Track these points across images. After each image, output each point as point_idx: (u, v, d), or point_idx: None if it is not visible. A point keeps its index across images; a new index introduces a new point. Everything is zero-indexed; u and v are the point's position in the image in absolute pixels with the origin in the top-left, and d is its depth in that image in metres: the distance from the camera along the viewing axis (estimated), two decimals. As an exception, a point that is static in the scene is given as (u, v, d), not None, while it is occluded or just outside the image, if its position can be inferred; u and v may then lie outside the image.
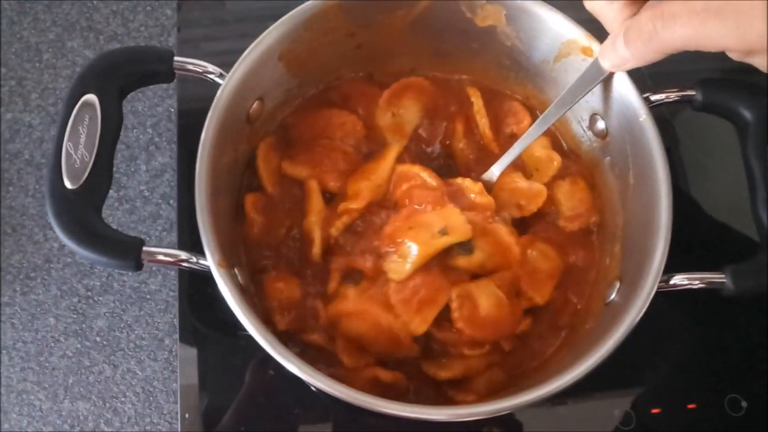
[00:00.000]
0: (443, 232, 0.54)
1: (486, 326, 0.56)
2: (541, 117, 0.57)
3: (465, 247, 0.56)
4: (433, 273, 0.55)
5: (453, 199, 0.57)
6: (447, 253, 0.55)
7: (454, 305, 0.56)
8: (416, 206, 0.56)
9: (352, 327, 0.56)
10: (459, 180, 0.59)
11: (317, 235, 0.58)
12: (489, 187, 0.60)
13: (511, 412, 0.61)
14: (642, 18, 0.45)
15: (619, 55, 0.48)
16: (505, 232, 0.57)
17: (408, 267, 0.54)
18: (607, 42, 0.51)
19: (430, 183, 0.58)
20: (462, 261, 0.56)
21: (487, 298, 0.56)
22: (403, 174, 0.59)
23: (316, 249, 0.58)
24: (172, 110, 0.77)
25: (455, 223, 0.54)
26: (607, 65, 0.52)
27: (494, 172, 0.60)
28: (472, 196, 0.58)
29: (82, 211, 0.50)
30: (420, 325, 0.54)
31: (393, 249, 0.55)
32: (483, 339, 0.57)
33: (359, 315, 0.56)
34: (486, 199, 0.58)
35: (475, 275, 0.57)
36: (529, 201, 0.60)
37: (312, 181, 0.60)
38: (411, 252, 0.54)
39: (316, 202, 0.59)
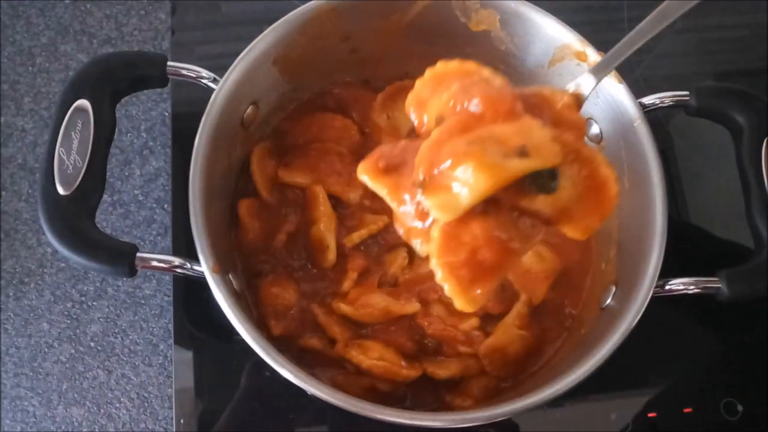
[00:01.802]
0: (521, 153, 0.36)
1: (515, 363, 0.57)
2: (658, 9, 0.44)
3: (547, 179, 0.39)
4: (500, 218, 0.39)
5: (530, 112, 0.40)
6: (518, 187, 0.38)
7: (485, 362, 0.56)
8: (474, 110, 0.39)
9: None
10: (536, 87, 0.44)
11: (332, 242, 0.58)
12: (579, 102, 0.45)
13: (507, 416, 0.61)
14: None
15: None
16: (602, 161, 0.41)
17: (465, 199, 0.36)
18: None
19: (495, 82, 0.42)
20: (541, 202, 0.39)
21: (512, 343, 0.56)
22: (449, 72, 0.43)
23: (332, 255, 0.58)
24: (167, 114, 0.76)
25: (538, 141, 0.37)
26: None
27: (587, 81, 0.45)
28: (559, 106, 0.42)
29: (75, 218, 0.50)
30: (471, 302, 0.39)
31: (440, 174, 0.37)
32: (512, 374, 0.57)
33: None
34: (577, 116, 0.43)
35: (549, 224, 0.41)
36: None
37: (317, 187, 0.59)
38: (470, 179, 0.36)
39: (324, 209, 0.58)
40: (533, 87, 0.43)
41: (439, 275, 0.39)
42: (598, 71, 0.45)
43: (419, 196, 0.39)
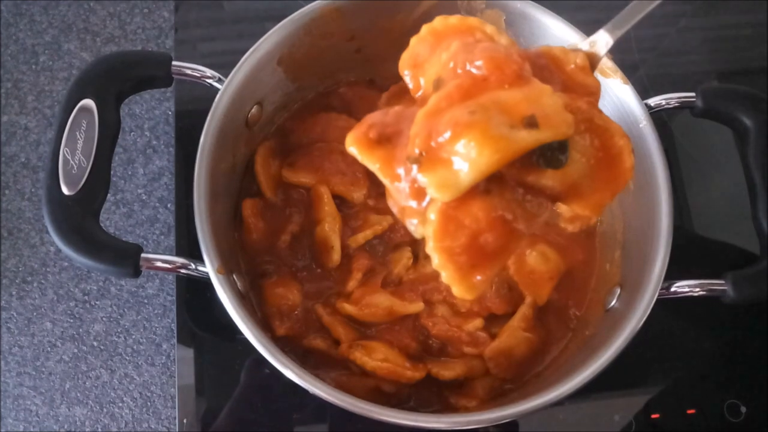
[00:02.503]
0: (530, 124, 0.33)
1: (519, 365, 0.57)
2: None
3: (556, 152, 0.35)
4: (504, 196, 0.35)
5: (539, 75, 0.36)
6: (523, 161, 0.34)
7: (490, 365, 0.56)
8: (477, 73, 0.35)
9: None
10: (545, 46, 0.39)
11: (336, 243, 0.57)
12: (593, 63, 0.41)
13: (510, 417, 0.61)
14: None
15: None
16: (617, 130, 0.38)
17: (467, 177, 0.33)
18: None
19: (501, 41, 0.38)
20: (548, 177, 0.35)
21: (518, 345, 0.55)
22: (449, 29, 0.38)
23: (336, 256, 0.58)
24: (170, 113, 0.76)
25: (550, 110, 0.33)
26: None
27: (603, 39, 0.40)
28: (572, 67, 0.38)
29: (80, 218, 0.50)
30: (471, 289, 0.36)
31: (438, 147, 0.33)
32: (517, 376, 0.57)
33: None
34: (591, 79, 0.39)
35: (556, 201, 0.37)
36: None
37: (322, 186, 0.59)
38: (472, 154, 0.32)
39: (329, 209, 0.58)
40: (541, 46, 0.38)
41: (437, 261, 0.35)
42: (615, 28, 0.40)
43: (415, 173, 0.34)
